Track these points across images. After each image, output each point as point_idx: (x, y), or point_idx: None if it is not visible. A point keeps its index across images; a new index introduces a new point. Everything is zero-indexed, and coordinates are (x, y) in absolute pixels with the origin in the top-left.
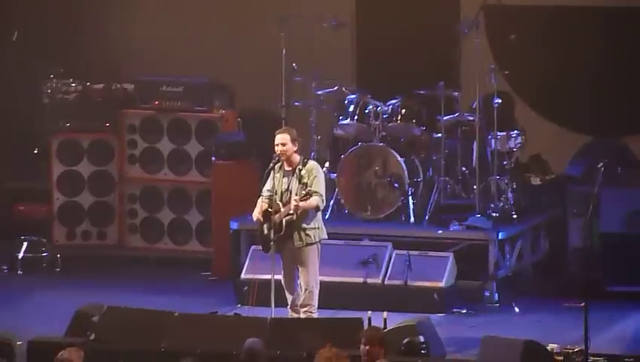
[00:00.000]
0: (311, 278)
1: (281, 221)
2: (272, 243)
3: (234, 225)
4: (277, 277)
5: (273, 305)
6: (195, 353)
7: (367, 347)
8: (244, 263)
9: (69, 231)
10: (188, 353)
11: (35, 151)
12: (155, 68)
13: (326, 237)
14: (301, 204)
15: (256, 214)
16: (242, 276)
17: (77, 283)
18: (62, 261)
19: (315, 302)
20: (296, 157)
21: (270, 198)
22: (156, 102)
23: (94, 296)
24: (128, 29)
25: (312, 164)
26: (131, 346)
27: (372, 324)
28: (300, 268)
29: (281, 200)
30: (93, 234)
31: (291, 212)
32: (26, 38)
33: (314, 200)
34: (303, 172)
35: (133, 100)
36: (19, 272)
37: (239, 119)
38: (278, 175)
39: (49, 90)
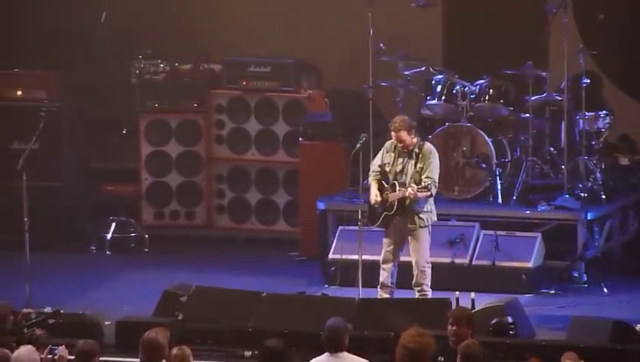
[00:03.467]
0: (422, 258)
1: (394, 201)
2: (379, 218)
3: (321, 205)
4: (365, 257)
5: (360, 286)
6: (282, 333)
7: (455, 327)
8: (332, 243)
9: (157, 212)
10: (275, 333)
11: (124, 132)
12: (242, 48)
13: (436, 219)
14: (419, 194)
15: (374, 197)
16: (330, 256)
17: (165, 264)
18: (150, 241)
19: (428, 281)
20: (413, 140)
21: (382, 173)
22: (244, 83)
23: (182, 276)
24: (216, 9)
25: (427, 147)
26: (219, 326)
27: (459, 304)
28: (411, 250)
29: (395, 180)
30: (182, 214)
31: (406, 196)
32: (114, 19)
33: (429, 193)
34: (420, 156)
35: (220, 80)
36: (107, 252)
37: (326, 99)
38: (393, 154)
39: (137, 71)
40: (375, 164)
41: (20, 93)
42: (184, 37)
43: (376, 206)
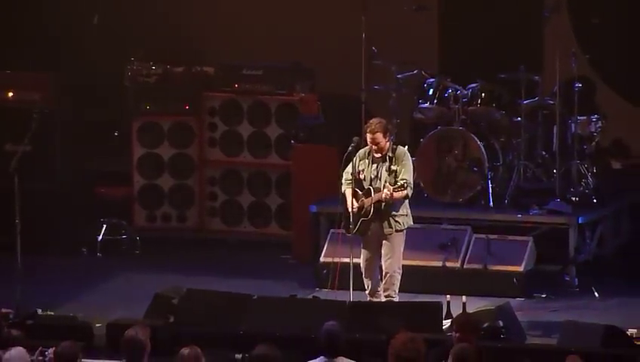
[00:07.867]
0: (394, 263)
1: (370, 206)
2: (356, 225)
3: (313, 209)
4: (356, 260)
5: (352, 289)
6: (274, 336)
7: (458, 334)
8: (324, 246)
9: (149, 214)
10: (266, 336)
11: (116, 134)
12: (236, 51)
13: (412, 223)
14: (395, 195)
15: (351, 204)
16: (321, 259)
17: (156, 266)
18: (142, 243)
19: (397, 287)
20: (387, 144)
21: (353, 182)
22: (236, 85)
23: (174, 279)
24: (209, 11)
25: (401, 150)
26: (210, 329)
27: (466, 310)
28: (384, 254)
29: (370, 186)
30: (173, 216)
31: (382, 199)
32: (106, 21)
33: (405, 192)
34: (393, 159)
35: (213, 83)
36: (98, 255)
37: (319, 102)
38: (367, 160)
39: (130, 73)
40: (347, 173)
41: (11, 94)
42: (177, 39)
43: (353, 213)
